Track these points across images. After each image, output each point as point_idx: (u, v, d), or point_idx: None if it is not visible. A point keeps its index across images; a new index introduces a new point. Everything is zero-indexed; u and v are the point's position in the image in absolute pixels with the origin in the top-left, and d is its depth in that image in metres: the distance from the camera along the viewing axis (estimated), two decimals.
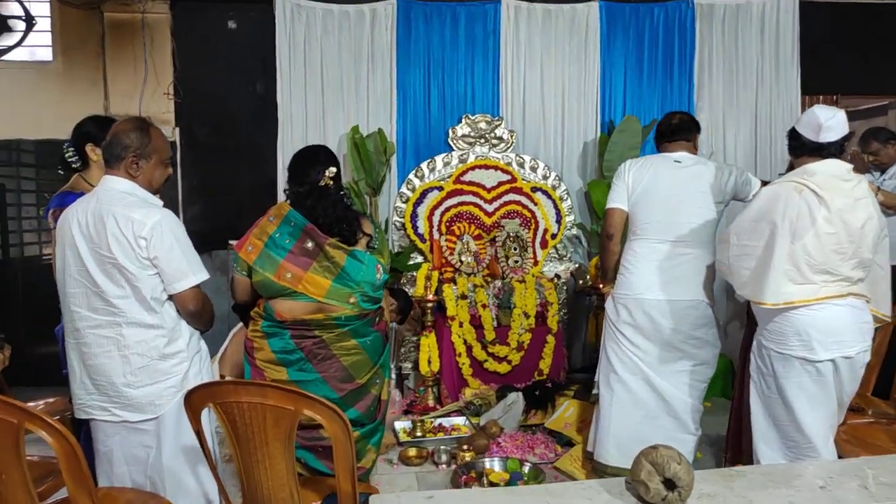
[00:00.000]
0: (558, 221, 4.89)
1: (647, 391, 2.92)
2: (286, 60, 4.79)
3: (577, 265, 5.02)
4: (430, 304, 4.09)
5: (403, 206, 4.79)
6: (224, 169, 4.92)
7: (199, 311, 2.15)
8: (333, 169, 2.24)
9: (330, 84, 4.83)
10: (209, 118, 4.89)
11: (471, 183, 4.77)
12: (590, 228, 5.00)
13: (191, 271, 2.10)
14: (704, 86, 5.21)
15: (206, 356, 2.30)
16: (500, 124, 4.91)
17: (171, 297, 2.12)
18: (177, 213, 4.78)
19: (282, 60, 4.78)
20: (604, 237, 3.09)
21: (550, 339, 4.23)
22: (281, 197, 4.37)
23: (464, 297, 4.21)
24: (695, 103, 5.21)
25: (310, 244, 2.13)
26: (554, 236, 4.87)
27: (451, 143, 4.89)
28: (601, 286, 3.34)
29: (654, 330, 2.89)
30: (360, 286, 2.14)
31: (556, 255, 4.94)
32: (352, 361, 2.14)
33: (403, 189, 4.81)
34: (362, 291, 2.15)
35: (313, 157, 2.25)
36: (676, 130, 3.03)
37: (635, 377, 2.92)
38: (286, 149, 4.77)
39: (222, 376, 3.08)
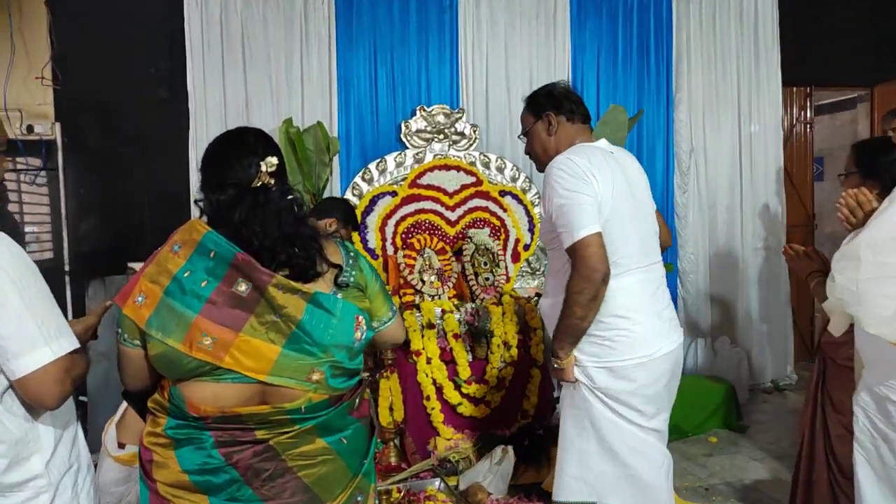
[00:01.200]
0: (531, 230, 4.20)
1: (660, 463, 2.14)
2: (198, 37, 3.86)
3: None
4: None
5: None
6: (120, 174, 3.93)
7: (66, 396, 1.31)
8: (273, 160, 1.37)
9: (254, 67, 3.94)
10: (99, 110, 3.88)
11: (429, 187, 4.01)
12: None
13: (43, 339, 1.26)
14: (683, 76, 4.67)
15: (85, 474, 1.44)
16: (460, 117, 4.17)
17: (10, 386, 1.27)
18: (60, 230, 3.77)
19: (192, 37, 3.86)
20: (584, 280, 1.88)
21: (535, 372, 3.52)
22: (194, 212, 3.50)
23: (430, 325, 3.43)
24: (674, 95, 4.66)
25: (243, 286, 1.28)
26: (527, 247, 4.18)
27: (403, 139, 4.11)
28: (559, 358, 2.00)
29: (666, 394, 2.07)
30: (328, 352, 1.33)
31: (528, 269, 4.24)
32: (318, 475, 1.32)
33: (348, 195, 3.98)
34: (332, 361, 1.34)
35: (239, 145, 1.38)
36: (582, 104, 2.20)
37: (650, 454, 2.05)
38: (199, 146, 3.85)
39: (121, 445, 2.19)
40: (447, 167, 4.06)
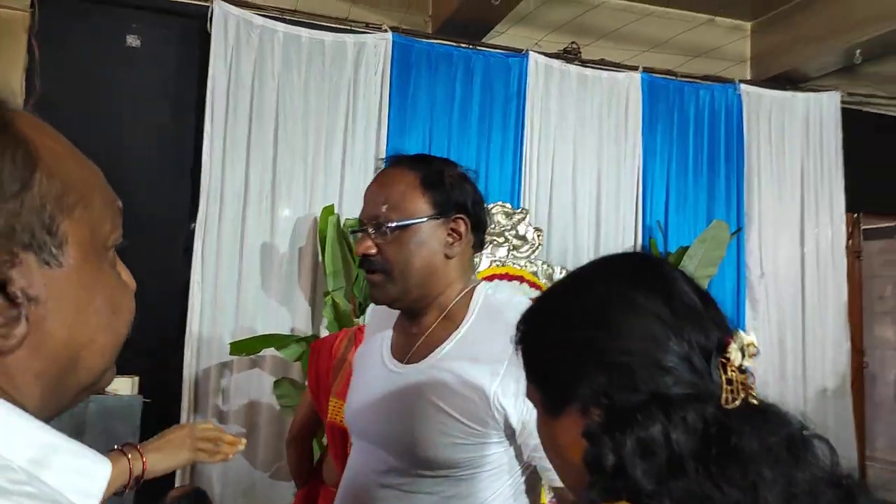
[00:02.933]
0: None
1: None
2: (221, 102, 3.14)
3: None
4: None
5: None
6: None
7: None
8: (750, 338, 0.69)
9: (287, 144, 3.22)
10: None
11: None
12: None
13: None
14: (754, 191, 4.22)
15: None
16: (523, 219, 3.53)
17: None
18: None
19: (215, 102, 3.13)
20: None
21: None
22: (194, 310, 2.75)
23: None
24: (745, 211, 4.18)
25: None
26: None
27: None
28: None
29: None
30: None
31: None
32: None
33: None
34: None
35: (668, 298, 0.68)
36: None
37: None
38: (209, 235, 3.05)
39: None
40: (509, 277, 3.37)
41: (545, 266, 3.55)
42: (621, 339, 0.61)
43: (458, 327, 1.10)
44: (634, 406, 0.56)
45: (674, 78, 4.06)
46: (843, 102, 4.44)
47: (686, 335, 0.60)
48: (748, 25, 4.38)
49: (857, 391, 4.79)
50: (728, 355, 0.59)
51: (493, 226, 3.47)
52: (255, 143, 3.17)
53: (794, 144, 4.36)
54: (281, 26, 3.24)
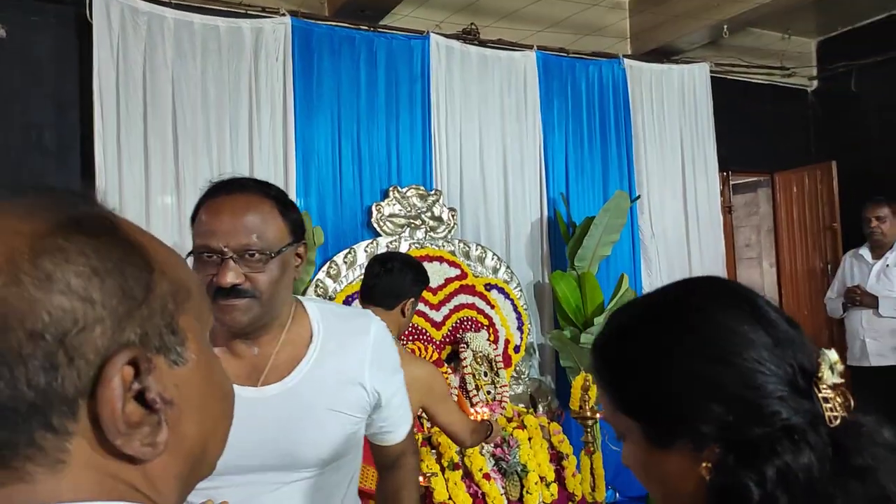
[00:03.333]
0: (520, 328, 3.66)
1: None
2: (111, 97, 2.90)
3: (536, 383, 3.81)
4: None
5: None
6: None
7: None
8: (833, 355, 0.68)
9: (188, 137, 3.05)
10: None
11: None
12: (549, 333, 3.84)
13: None
14: (641, 157, 4.52)
15: None
16: (437, 200, 3.58)
17: None
18: None
19: (104, 98, 2.88)
20: None
21: None
22: None
23: (454, 466, 2.69)
24: (635, 178, 4.47)
25: None
26: (517, 349, 3.61)
27: (375, 224, 3.41)
28: None
29: None
30: None
31: (515, 374, 3.67)
32: None
33: (311, 295, 3.16)
34: None
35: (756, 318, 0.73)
36: None
37: None
38: None
39: None
40: (429, 258, 3.41)
41: (462, 245, 3.63)
42: (738, 373, 0.61)
43: (311, 337, 1.15)
44: (764, 438, 0.59)
45: (566, 55, 4.23)
46: (711, 72, 4.84)
47: (788, 361, 0.62)
48: (627, 3, 4.64)
49: None
50: (821, 374, 0.62)
51: (409, 209, 3.50)
52: (153, 139, 2.97)
53: (672, 112, 4.70)
54: (170, 12, 3.03)
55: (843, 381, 0.63)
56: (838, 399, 0.62)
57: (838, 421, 0.61)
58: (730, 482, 0.59)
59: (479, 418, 2.62)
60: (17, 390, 0.38)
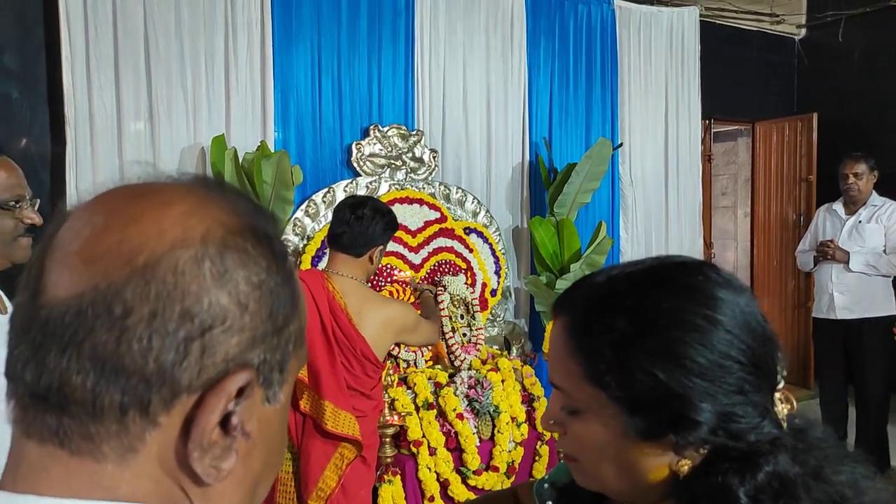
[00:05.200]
0: (497, 272, 3.68)
1: None
2: (80, 26, 2.74)
3: (511, 326, 3.87)
4: (389, 431, 2.55)
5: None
6: None
7: None
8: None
9: (161, 68, 2.91)
10: None
11: None
12: (525, 278, 3.88)
13: None
14: (625, 102, 4.46)
15: None
16: (419, 140, 3.51)
17: None
18: None
19: (70, 15, 2.73)
20: None
21: (544, 449, 3.01)
22: None
23: (428, 405, 2.75)
24: (619, 124, 4.43)
25: None
26: (493, 293, 3.65)
27: (355, 164, 3.34)
28: None
29: None
30: None
31: (490, 316, 3.72)
32: None
33: (290, 235, 3.13)
34: None
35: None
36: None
37: None
38: (82, 173, 2.75)
39: None
40: (409, 200, 3.38)
41: (442, 187, 3.59)
42: (742, 379, 0.60)
43: None
44: (753, 444, 0.59)
45: None
46: (700, 16, 4.74)
47: (772, 366, 0.63)
48: None
49: None
50: (779, 379, 0.63)
51: (390, 149, 3.43)
52: (124, 64, 2.83)
53: (658, 57, 4.62)
54: None
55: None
56: (786, 403, 0.63)
57: (786, 424, 0.63)
58: (714, 484, 0.59)
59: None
60: (145, 359, 0.38)
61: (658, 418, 0.61)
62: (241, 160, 2.70)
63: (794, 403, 0.64)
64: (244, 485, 0.44)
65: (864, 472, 0.62)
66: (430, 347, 3.11)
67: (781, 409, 0.63)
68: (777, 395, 0.64)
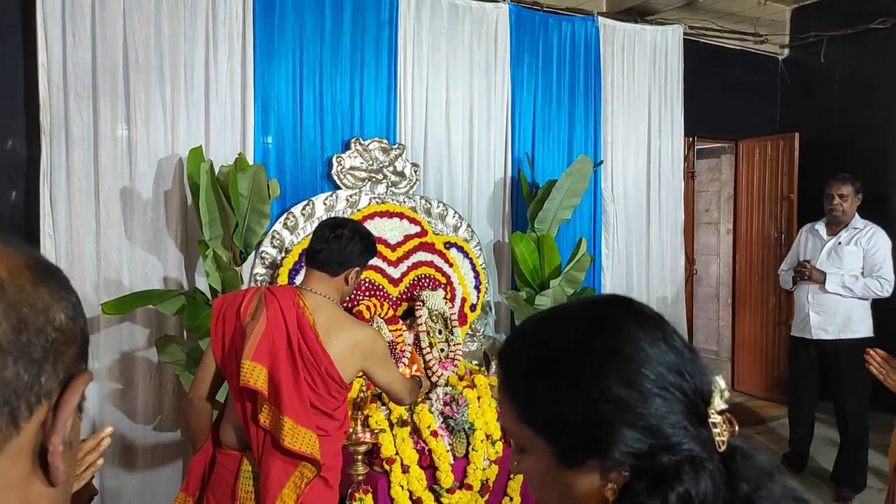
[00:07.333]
0: (477, 287, 3.67)
1: None
2: (56, 26, 2.72)
3: (491, 341, 3.86)
4: (362, 449, 2.52)
5: (267, 273, 3.09)
6: None
7: None
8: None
9: (140, 76, 2.89)
10: None
11: None
12: (505, 293, 3.87)
13: None
14: (608, 119, 4.48)
15: None
16: (400, 154, 3.51)
17: None
18: None
19: (48, 26, 2.71)
20: None
21: None
22: (47, 248, 2.57)
23: (402, 422, 2.73)
24: (601, 140, 4.45)
25: None
26: (473, 307, 3.64)
27: (335, 177, 3.33)
28: None
29: None
30: None
31: (470, 331, 3.71)
32: None
33: (268, 248, 3.11)
34: None
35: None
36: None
37: None
38: (56, 183, 2.73)
39: None
40: (389, 214, 3.37)
41: (423, 201, 3.59)
42: (650, 399, 0.61)
43: None
44: (669, 466, 0.60)
45: (539, 9, 4.12)
46: (684, 34, 4.78)
47: (691, 389, 0.63)
48: None
49: (688, 294, 5.48)
50: (713, 401, 0.64)
51: (371, 162, 3.42)
52: (102, 75, 2.81)
53: (642, 74, 4.65)
54: None
55: (728, 406, 0.65)
56: (725, 425, 0.64)
57: (724, 447, 0.63)
58: None
59: (406, 373, 2.63)
60: (16, 372, 0.44)
61: (573, 444, 0.64)
62: (217, 172, 2.68)
63: (737, 427, 0.65)
64: (66, 492, 0.49)
65: None
66: (406, 362, 3.09)
67: (721, 432, 0.64)
68: (717, 417, 0.64)
